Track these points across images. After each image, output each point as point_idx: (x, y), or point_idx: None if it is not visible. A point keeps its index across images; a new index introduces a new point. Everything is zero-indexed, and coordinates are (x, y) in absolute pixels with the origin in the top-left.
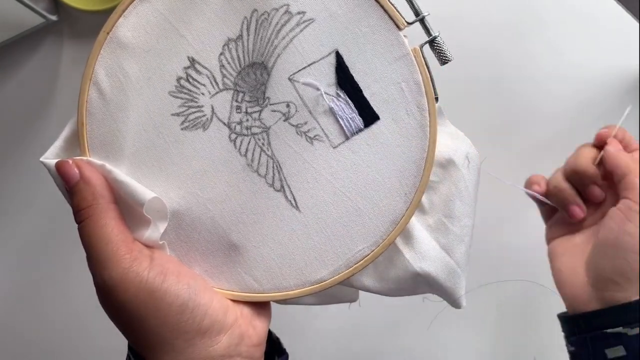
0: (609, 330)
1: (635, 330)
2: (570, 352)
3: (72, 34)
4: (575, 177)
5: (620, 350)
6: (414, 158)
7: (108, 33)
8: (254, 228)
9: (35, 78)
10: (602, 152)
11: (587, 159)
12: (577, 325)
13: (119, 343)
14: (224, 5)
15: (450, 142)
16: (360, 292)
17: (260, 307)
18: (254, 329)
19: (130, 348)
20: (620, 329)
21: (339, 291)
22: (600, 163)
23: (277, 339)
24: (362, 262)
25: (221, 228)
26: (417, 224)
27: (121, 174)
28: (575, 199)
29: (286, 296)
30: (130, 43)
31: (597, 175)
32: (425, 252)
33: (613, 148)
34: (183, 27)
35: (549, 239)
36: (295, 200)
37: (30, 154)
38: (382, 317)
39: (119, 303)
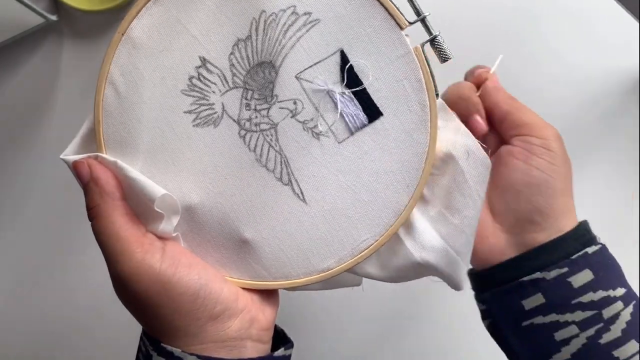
0: (524, 279)
1: (554, 273)
2: (482, 312)
3: (72, 34)
4: (459, 104)
5: (539, 299)
6: (415, 152)
7: (123, 34)
8: (263, 220)
9: (35, 78)
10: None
11: (469, 88)
12: (489, 279)
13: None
14: (234, 7)
15: (452, 136)
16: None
17: (270, 294)
18: (263, 313)
19: (144, 332)
20: (537, 274)
21: (344, 277)
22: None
23: (282, 330)
24: (366, 251)
25: (232, 220)
26: (418, 215)
27: (133, 170)
28: (479, 108)
29: (294, 284)
30: (144, 43)
31: (481, 105)
32: (426, 242)
33: (492, 84)
34: (194, 28)
35: None
36: (302, 193)
37: (30, 154)
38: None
39: (133, 294)
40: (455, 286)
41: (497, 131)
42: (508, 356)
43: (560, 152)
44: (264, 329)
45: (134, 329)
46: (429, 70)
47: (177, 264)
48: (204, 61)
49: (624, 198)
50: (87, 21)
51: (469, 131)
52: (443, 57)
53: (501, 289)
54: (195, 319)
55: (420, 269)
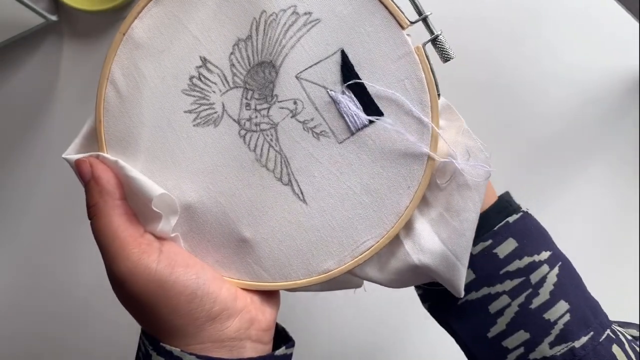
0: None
1: (479, 247)
2: (420, 296)
3: (72, 34)
4: None
5: (469, 275)
6: (416, 152)
7: (124, 34)
8: (263, 220)
9: (35, 78)
10: None
11: None
12: None
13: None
14: (234, 7)
15: (453, 136)
16: None
17: (270, 294)
18: (263, 314)
19: (143, 332)
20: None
21: (344, 279)
22: None
23: (283, 329)
24: (366, 253)
25: (231, 220)
26: (419, 216)
27: (133, 169)
28: None
29: (294, 285)
30: (145, 44)
31: None
32: (424, 244)
33: None
34: (195, 28)
35: None
36: (302, 194)
37: (31, 154)
38: (386, 304)
39: (129, 293)
40: (456, 291)
41: None
42: (453, 337)
43: None
44: (263, 329)
45: (135, 328)
46: (430, 70)
47: (174, 265)
48: (204, 61)
49: (624, 198)
50: (87, 21)
51: (470, 132)
52: (445, 57)
53: None
54: (193, 319)
55: (419, 273)
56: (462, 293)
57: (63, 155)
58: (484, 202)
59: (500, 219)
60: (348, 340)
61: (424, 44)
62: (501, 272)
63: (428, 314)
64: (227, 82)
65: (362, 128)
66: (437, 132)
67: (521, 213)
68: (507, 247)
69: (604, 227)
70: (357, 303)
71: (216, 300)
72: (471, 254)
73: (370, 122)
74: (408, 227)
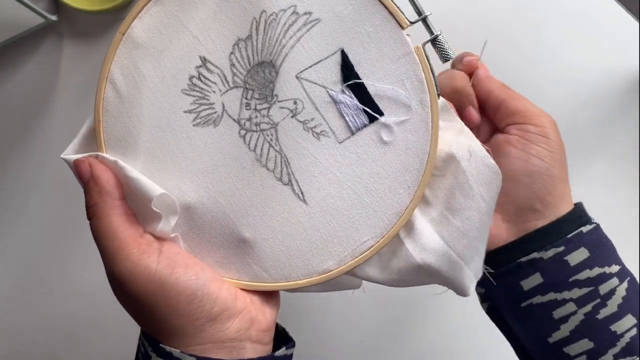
0: (522, 259)
1: (551, 252)
2: (480, 295)
3: (72, 34)
4: (453, 96)
5: (537, 279)
6: (416, 152)
7: (123, 34)
8: (263, 220)
9: (35, 78)
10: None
11: (463, 79)
12: (488, 262)
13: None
14: (234, 7)
15: (454, 136)
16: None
17: (270, 295)
18: (263, 315)
19: (143, 332)
20: (535, 255)
21: (344, 279)
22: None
23: (284, 329)
24: (367, 253)
25: (231, 220)
26: (420, 216)
27: (132, 170)
28: (473, 99)
29: (294, 286)
30: (144, 43)
31: (474, 96)
32: (426, 244)
33: (484, 73)
34: (195, 28)
35: None
36: (302, 194)
37: (30, 154)
38: (387, 305)
39: (129, 294)
40: (461, 292)
41: (490, 120)
42: (508, 339)
43: (557, 139)
44: (263, 330)
45: (135, 329)
46: (430, 70)
47: (173, 265)
48: (204, 61)
49: (624, 198)
50: (87, 21)
51: (471, 133)
52: (444, 57)
53: (500, 271)
54: (193, 319)
55: (422, 273)
56: (469, 293)
57: (62, 156)
58: (562, 210)
59: (574, 227)
60: (349, 341)
61: (424, 44)
62: (570, 280)
63: (429, 314)
64: (227, 81)
65: (362, 128)
66: (437, 131)
67: (595, 224)
68: (579, 255)
69: (604, 227)
70: (358, 304)
71: (216, 300)
72: (542, 259)
73: (370, 121)
74: (409, 226)
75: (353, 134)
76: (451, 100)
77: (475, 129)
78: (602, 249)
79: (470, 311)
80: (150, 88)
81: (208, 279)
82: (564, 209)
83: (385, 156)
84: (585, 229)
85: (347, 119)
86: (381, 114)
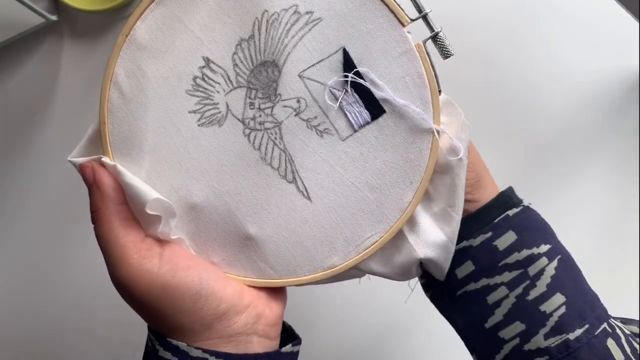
0: (455, 249)
1: (479, 239)
2: (423, 285)
3: (72, 34)
4: None
5: (469, 267)
6: (418, 148)
7: (126, 36)
8: (268, 218)
9: (35, 78)
10: None
11: None
12: None
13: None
14: (236, 7)
15: (455, 132)
16: None
17: (276, 290)
18: (270, 309)
19: (150, 329)
20: (464, 243)
21: (348, 272)
22: None
23: (290, 327)
24: (371, 248)
25: (237, 218)
26: (422, 212)
27: (128, 174)
28: None
29: (299, 281)
30: (148, 45)
31: None
32: (429, 239)
33: None
34: (197, 29)
35: None
36: (306, 191)
37: (30, 153)
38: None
39: (133, 297)
40: (441, 275)
41: None
42: (453, 327)
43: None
44: (270, 324)
45: (138, 327)
46: (431, 66)
47: (175, 267)
48: (207, 61)
49: (625, 198)
50: (87, 21)
51: (470, 127)
52: (445, 54)
53: None
54: (200, 317)
55: (420, 265)
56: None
57: (68, 158)
58: (486, 196)
59: (501, 212)
60: (355, 338)
61: (425, 41)
62: (500, 264)
63: (433, 311)
64: (231, 81)
65: (364, 125)
66: (439, 128)
67: (522, 207)
68: (507, 239)
69: (604, 227)
70: (363, 301)
71: (222, 299)
72: (471, 246)
73: (373, 119)
74: (411, 222)
75: (356, 131)
76: None
77: None
78: (530, 230)
79: None
80: (155, 89)
81: (212, 278)
82: (490, 197)
83: (388, 153)
84: (511, 212)
85: (349, 116)
86: (383, 111)
